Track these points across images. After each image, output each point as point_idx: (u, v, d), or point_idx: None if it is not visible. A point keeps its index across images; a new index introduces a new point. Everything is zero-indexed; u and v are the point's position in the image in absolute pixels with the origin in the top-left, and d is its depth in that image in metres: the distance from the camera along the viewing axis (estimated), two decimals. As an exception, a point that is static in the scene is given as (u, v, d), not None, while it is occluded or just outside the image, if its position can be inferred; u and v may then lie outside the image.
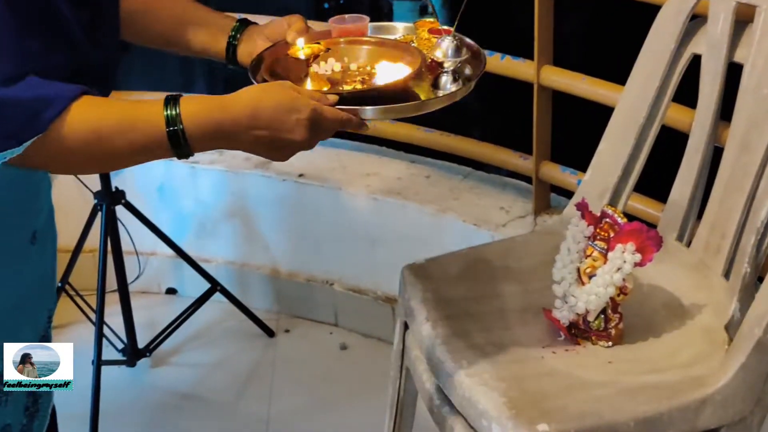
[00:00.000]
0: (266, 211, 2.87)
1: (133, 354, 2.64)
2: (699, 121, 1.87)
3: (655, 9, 1.93)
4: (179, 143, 1.28)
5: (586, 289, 1.62)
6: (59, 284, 2.57)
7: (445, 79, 1.48)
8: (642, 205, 2.25)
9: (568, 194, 2.34)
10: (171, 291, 3.04)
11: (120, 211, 2.57)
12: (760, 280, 1.61)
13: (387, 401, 1.97)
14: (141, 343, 2.66)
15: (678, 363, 1.60)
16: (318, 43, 1.52)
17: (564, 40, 2.42)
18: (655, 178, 2.03)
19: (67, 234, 2.10)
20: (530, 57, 2.39)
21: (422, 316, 1.73)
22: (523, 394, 1.53)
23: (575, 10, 3.26)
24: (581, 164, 2.08)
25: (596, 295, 1.61)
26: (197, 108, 1.29)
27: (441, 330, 1.69)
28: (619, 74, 2.05)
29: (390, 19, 4.07)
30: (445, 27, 1.54)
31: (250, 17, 1.64)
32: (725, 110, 1.84)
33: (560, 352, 1.65)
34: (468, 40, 1.54)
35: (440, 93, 1.47)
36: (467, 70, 1.52)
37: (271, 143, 1.33)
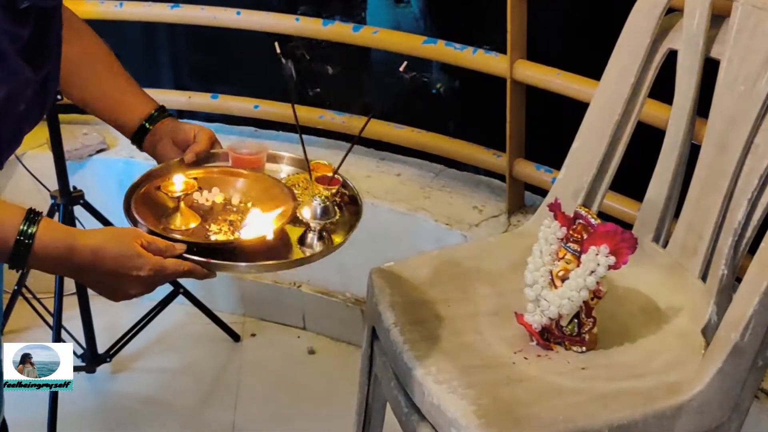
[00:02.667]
0: (231, 211, 2.85)
1: (92, 359, 2.62)
2: (675, 119, 1.87)
3: (631, 2, 1.93)
4: (20, 256, 1.36)
5: (558, 293, 1.62)
6: (15, 287, 2.56)
7: (311, 238, 1.56)
8: (618, 204, 2.25)
9: (543, 193, 2.34)
10: (133, 294, 3.01)
11: (79, 210, 2.55)
12: (739, 281, 1.61)
13: (355, 407, 1.97)
14: (101, 348, 2.64)
15: (653, 369, 1.60)
16: (194, 179, 1.61)
17: (538, 33, 2.41)
18: (631, 177, 2.03)
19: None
20: (503, 51, 2.39)
21: (390, 321, 1.72)
22: (494, 402, 1.53)
23: (549, 3, 3.26)
24: (556, 162, 2.08)
25: (569, 299, 1.60)
26: (52, 231, 1.38)
27: (409, 335, 1.68)
28: (595, 69, 2.05)
29: (363, 10, 4.07)
30: (335, 177, 1.62)
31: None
32: (702, 107, 1.84)
33: (532, 358, 1.64)
34: (349, 185, 1.66)
35: (306, 252, 1.55)
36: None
37: (108, 288, 1.43)
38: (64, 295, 2.52)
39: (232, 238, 1.54)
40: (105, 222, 2.61)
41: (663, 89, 1.93)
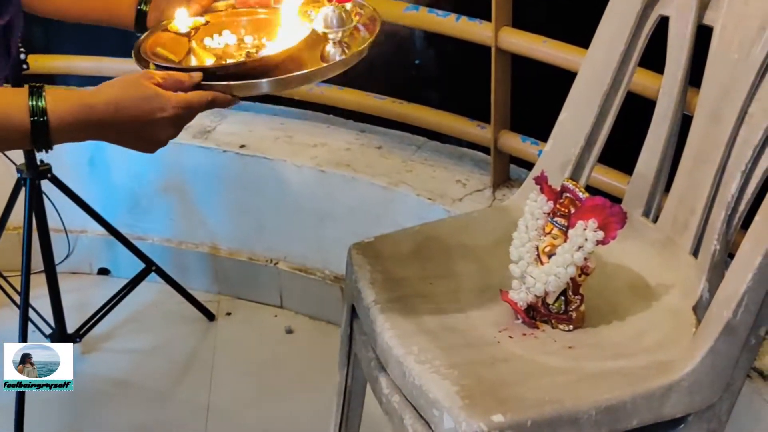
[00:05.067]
0: (205, 185, 2.84)
1: (61, 339, 2.60)
2: (666, 88, 1.85)
3: (621, -33, 1.92)
4: (41, 135, 1.33)
5: (545, 269, 1.61)
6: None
7: (332, 51, 1.55)
8: (607, 178, 2.24)
9: (529, 166, 2.33)
10: (103, 271, 3.01)
11: (46, 185, 2.53)
12: (732, 256, 1.61)
13: (335, 389, 1.96)
14: (70, 327, 2.63)
15: (643, 347, 1.60)
16: (201, 17, 1.60)
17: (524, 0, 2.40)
18: (621, 149, 2.02)
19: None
20: (488, 18, 2.37)
21: (370, 299, 1.71)
22: (478, 382, 1.52)
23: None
24: (542, 134, 2.07)
25: (556, 276, 1.60)
26: (62, 101, 1.35)
27: (390, 313, 1.67)
28: (583, 37, 2.04)
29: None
30: None
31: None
32: (694, 76, 1.83)
33: (518, 337, 1.63)
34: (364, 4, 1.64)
35: (324, 64, 1.53)
36: (363, 33, 1.60)
37: (136, 139, 1.41)
38: (31, 272, 2.49)
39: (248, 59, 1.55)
40: (74, 197, 2.59)
41: (654, 57, 1.91)
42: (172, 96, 1.41)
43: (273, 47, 1.59)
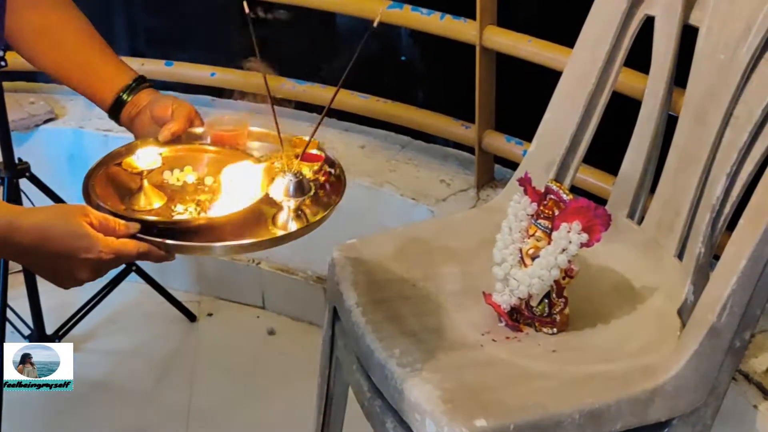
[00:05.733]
0: (186, 184, 2.82)
1: (40, 340, 2.59)
2: (652, 88, 1.86)
3: (606, -34, 1.92)
4: None
5: (528, 272, 1.61)
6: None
7: (284, 217, 1.50)
8: (592, 179, 2.25)
9: (514, 166, 2.33)
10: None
11: (25, 184, 2.52)
12: (717, 258, 1.61)
13: (317, 391, 1.96)
14: (49, 328, 2.62)
15: (627, 351, 1.60)
16: (159, 155, 1.55)
17: (509, -2, 2.40)
18: (606, 150, 2.02)
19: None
20: (472, 17, 2.37)
21: (352, 301, 1.71)
22: (460, 386, 1.52)
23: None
24: (528, 134, 2.07)
25: (539, 278, 1.59)
26: None
27: (372, 316, 1.67)
28: (568, 36, 2.04)
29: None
30: (317, 152, 1.57)
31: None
32: (680, 76, 1.83)
33: (501, 340, 1.63)
34: (331, 159, 1.60)
35: (276, 232, 1.49)
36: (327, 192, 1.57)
37: (54, 272, 1.38)
38: (9, 272, 2.48)
39: (190, 216, 1.50)
40: (53, 196, 2.58)
41: (639, 58, 1.92)
42: (102, 240, 1.36)
43: (224, 204, 1.52)
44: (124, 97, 1.65)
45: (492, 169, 2.56)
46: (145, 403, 2.54)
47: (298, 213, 1.51)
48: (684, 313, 1.64)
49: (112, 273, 2.67)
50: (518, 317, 1.66)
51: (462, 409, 1.47)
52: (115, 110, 1.66)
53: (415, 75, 3.55)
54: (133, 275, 2.71)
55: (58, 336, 2.61)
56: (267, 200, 1.51)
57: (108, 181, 1.55)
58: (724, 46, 1.71)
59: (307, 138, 1.58)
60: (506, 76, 2.46)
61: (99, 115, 2.87)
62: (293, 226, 1.50)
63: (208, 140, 1.66)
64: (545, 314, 1.64)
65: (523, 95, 2.48)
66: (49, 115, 2.93)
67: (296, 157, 1.54)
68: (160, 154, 1.57)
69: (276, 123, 1.56)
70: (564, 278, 1.61)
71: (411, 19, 2.51)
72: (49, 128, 2.91)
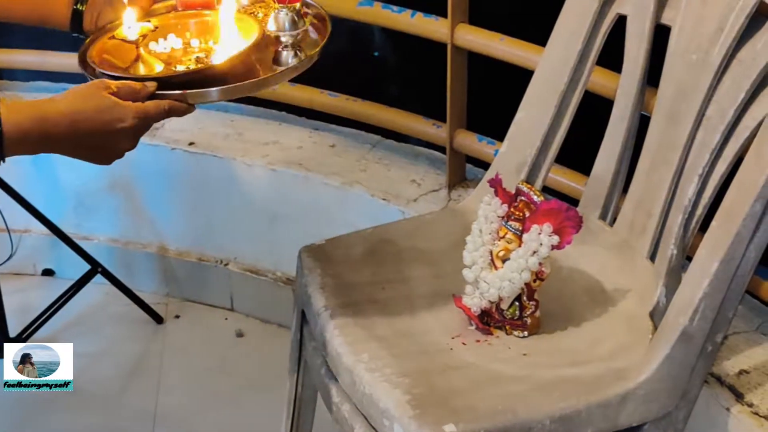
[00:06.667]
0: (153, 183, 2.81)
1: (3, 343, 2.57)
2: (624, 88, 1.86)
3: (579, -36, 1.92)
4: None
5: (499, 275, 1.61)
6: None
7: (285, 54, 1.55)
8: (563, 179, 2.25)
9: (486, 165, 2.32)
10: (47, 272, 2.98)
11: (-12, 186, 2.51)
12: (690, 259, 1.61)
13: (286, 395, 1.95)
14: (13, 330, 2.59)
15: (599, 355, 1.60)
16: (147, 22, 1.59)
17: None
18: (578, 150, 2.02)
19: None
20: (443, 14, 2.37)
21: (320, 304, 1.70)
22: (429, 391, 1.52)
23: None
24: (500, 133, 2.07)
25: (510, 281, 1.59)
26: (16, 113, 1.33)
27: (340, 319, 1.66)
28: (540, 35, 2.04)
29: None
30: None
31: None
32: (653, 76, 1.84)
33: (471, 343, 1.63)
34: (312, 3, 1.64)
35: (279, 69, 1.54)
36: (312, 35, 1.61)
37: (95, 151, 1.41)
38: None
39: (202, 66, 1.54)
40: (16, 197, 2.56)
41: (611, 57, 1.92)
42: (131, 106, 1.40)
43: (222, 51, 1.58)
44: (79, 6, 1.62)
45: (464, 169, 2.56)
46: (111, 407, 2.53)
47: (296, 48, 1.55)
48: (656, 315, 1.65)
49: (77, 274, 2.66)
50: (489, 320, 1.66)
51: (431, 415, 1.47)
52: (76, 25, 1.63)
53: (385, 73, 3.54)
54: (98, 277, 2.69)
55: (21, 338, 2.58)
56: (262, 42, 1.56)
57: (100, 58, 1.55)
58: (696, 45, 1.72)
59: None
60: (478, 74, 2.46)
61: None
62: (294, 60, 1.54)
63: (180, 8, 1.68)
64: (516, 317, 1.64)
65: (495, 94, 2.47)
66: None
67: (274, 1, 1.57)
68: (149, 22, 1.60)
69: None
70: (535, 281, 1.61)
71: (381, 16, 2.50)
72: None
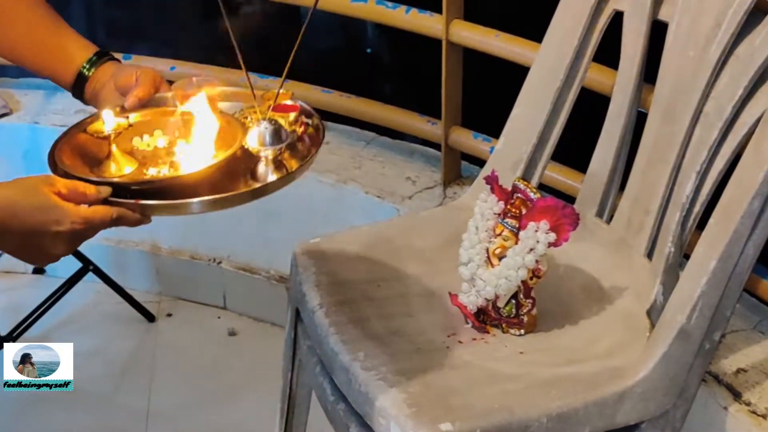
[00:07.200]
0: (145, 181, 2.80)
1: (-6, 342, 2.57)
2: (621, 84, 1.86)
3: (575, -40, 1.92)
4: None
5: (495, 272, 1.60)
6: None
7: (264, 170, 1.45)
8: (560, 176, 2.25)
9: (481, 163, 2.33)
10: (38, 271, 2.97)
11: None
12: (687, 257, 1.61)
13: (279, 394, 1.95)
14: (4, 329, 2.59)
15: (596, 353, 1.60)
16: (126, 118, 1.51)
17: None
18: (574, 147, 2.02)
19: None
20: (438, 11, 2.37)
21: (315, 302, 1.70)
22: (426, 390, 1.51)
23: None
24: (495, 130, 2.07)
25: (506, 279, 1.59)
26: None
27: (335, 317, 1.66)
28: (536, 31, 2.04)
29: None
30: (291, 103, 1.51)
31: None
32: (650, 72, 1.84)
33: (467, 342, 1.63)
34: (307, 109, 1.54)
35: (254, 185, 1.43)
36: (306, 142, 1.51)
37: (26, 250, 1.33)
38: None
39: (167, 175, 1.44)
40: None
41: (608, 53, 1.92)
42: (72, 209, 1.31)
43: (198, 159, 1.45)
44: (86, 71, 1.58)
45: (459, 166, 2.56)
46: (103, 406, 2.53)
47: (277, 164, 1.45)
48: (653, 313, 1.65)
49: (69, 272, 2.66)
50: (485, 318, 1.66)
51: (427, 413, 1.47)
52: (78, 87, 1.59)
53: (380, 70, 3.54)
54: (90, 275, 2.69)
55: (12, 337, 2.58)
56: (243, 156, 1.45)
57: (75, 152, 1.47)
58: (694, 42, 1.71)
59: (283, 91, 1.52)
60: (473, 71, 2.46)
61: (55, 110, 2.88)
62: (273, 177, 1.44)
63: (177, 104, 1.57)
64: (512, 315, 1.64)
65: (491, 91, 2.47)
66: (4, 110, 2.90)
67: (269, 108, 1.49)
68: (127, 118, 1.52)
69: (248, 77, 1.51)
70: (531, 278, 1.61)
71: (376, 12, 2.50)
72: (4, 123, 2.88)
